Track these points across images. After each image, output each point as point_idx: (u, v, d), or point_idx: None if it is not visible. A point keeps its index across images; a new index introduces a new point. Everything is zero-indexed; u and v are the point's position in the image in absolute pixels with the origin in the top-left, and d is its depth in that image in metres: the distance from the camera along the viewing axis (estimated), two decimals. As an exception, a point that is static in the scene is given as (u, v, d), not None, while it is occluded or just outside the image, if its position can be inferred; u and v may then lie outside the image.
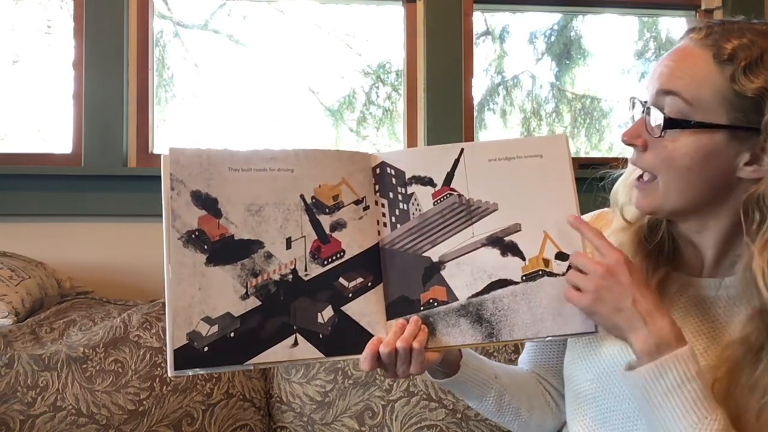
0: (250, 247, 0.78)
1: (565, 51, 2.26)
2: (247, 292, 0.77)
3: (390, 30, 2.07)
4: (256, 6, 2.05)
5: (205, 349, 0.74)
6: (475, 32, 2.04)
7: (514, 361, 1.33)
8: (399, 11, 2.02)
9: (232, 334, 0.76)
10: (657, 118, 0.76)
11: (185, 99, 2.07)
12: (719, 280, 0.82)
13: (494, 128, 2.24)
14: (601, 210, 0.97)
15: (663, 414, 0.71)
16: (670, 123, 0.75)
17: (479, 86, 2.19)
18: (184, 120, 2.03)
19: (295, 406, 1.37)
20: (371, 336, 0.80)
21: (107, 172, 1.79)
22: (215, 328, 0.75)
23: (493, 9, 2.17)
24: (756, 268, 0.73)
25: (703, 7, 2.05)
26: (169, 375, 0.74)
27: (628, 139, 0.80)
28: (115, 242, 1.80)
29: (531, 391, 1.00)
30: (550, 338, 0.82)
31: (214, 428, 1.31)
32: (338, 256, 0.81)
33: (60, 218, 1.79)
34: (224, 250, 0.77)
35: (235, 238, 0.78)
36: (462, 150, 0.85)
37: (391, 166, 0.86)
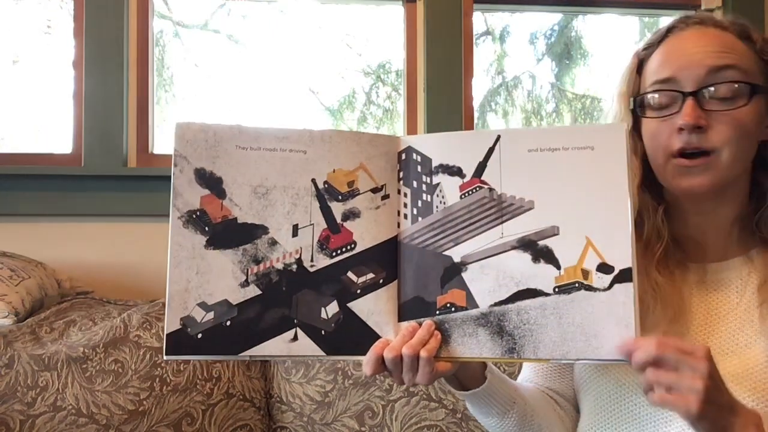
0: (253, 231, 0.74)
1: (565, 51, 2.26)
2: (247, 280, 0.73)
3: (390, 30, 2.07)
4: (256, 6, 2.05)
5: (199, 336, 0.71)
6: (475, 32, 2.03)
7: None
8: (399, 11, 2.02)
9: (228, 323, 0.72)
10: (728, 91, 0.76)
11: (185, 99, 2.07)
12: (732, 261, 0.83)
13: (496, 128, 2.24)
14: None
15: None
16: (756, 89, 0.77)
17: (481, 87, 2.20)
18: (184, 120, 2.03)
19: (295, 406, 1.36)
20: (378, 337, 0.74)
21: (107, 172, 1.79)
22: (210, 315, 0.72)
23: (493, 9, 2.17)
24: None
25: (703, 7, 2.04)
26: (164, 359, 0.73)
27: (695, 122, 0.75)
28: (115, 242, 1.80)
29: (546, 407, 0.93)
30: (581, 361, 0.73)
31: (214, 428, 1.31)
32: (349, 247, 0.76)
33: (60, 218, 1.79)
34: (226, 233, 0.73)
35: (239, 221, 0.74)
36: (498, 137, 0.75)
37: (418, 152, 0.78)
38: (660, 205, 0.84)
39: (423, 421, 1.32)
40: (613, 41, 2.25)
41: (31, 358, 1.29)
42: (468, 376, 0.82)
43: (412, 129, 1.99)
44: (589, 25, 2.26)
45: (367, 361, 0.73)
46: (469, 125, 1.96)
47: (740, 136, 0.76)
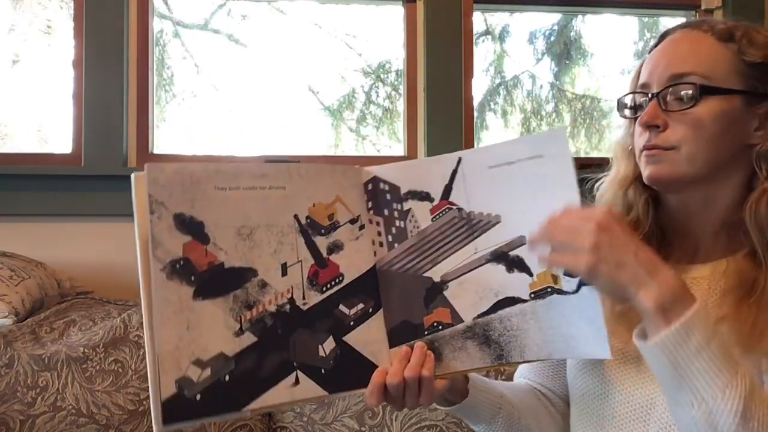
0: (242, 275, 0.70)
1: (565, 51, 2.27)
2: (241, 328, 0.68)
3: (390, 30, 2.07)
4: (256, 6, 2.06)
5: (198, 396, 0.65)
6: (475, 32, 2.04)
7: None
8: (399, 11, 2.02)
9: (227, 378, 0.67)
10: (681, 93, 0.79)
11: (185, 99, 2.07)
12: (713, 264, 0.83)
13: (495, 128, 2.24)
14: None
15: (692, 380, 0.66)
16: (703, 90, 0.78)
17: (480, 86, 2.20)
18: (184, 120, 2.04)
19: (295, 406, 1.37)
20: (375, 367, 0.74)
21: (107, 172, 1.79)
22: (207, 372, 0.66)
23: (493, 9, 2.18)
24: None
25: (703, 7, 2.05)
26: (159, 430, 0.63)
27: (650, 120, 0.80)
28: (115, 242, 1.80)
29: (535, 407, 0.95)
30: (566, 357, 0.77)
31: (214, 428, 1.31)
32: (337, 281, 0.75)
33: (60, 218, 1.79)
34: (214, 281, 0.68)
35: (225, 266, 0.69)
36: (459, 159, 0.78)
37: (385, 182, 0.80)
38: (642, 196, 0.87)
39: (423, 421, 1.32)
40: (612, 41, 2.25)
41: (31, 358, 1.29)
42: (452, 390, 0.84)
43: (412, 129, 1.99)
44: (589, 25, 2.26)
45: (370, 392, 0.73)
46: (469, 125, 1.96)
47: (698, 135, 0.79)
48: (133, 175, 0.68)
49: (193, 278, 0.67)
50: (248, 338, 0.69)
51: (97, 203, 1.79)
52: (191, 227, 0.68)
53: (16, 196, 1.77)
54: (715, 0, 2.03)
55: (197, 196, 0.69)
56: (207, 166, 0.70)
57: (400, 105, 2.08)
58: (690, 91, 0.79)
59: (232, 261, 0.69)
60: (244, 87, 2.06)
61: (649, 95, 0.82)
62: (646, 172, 0.83)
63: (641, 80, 0.85)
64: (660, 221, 0.88)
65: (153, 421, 0.63)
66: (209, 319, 0.67)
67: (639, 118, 0.82)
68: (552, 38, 2.26)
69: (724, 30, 0.81)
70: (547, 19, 2.25)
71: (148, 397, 1.29)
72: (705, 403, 0.65)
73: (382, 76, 2.16)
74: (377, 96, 2.18)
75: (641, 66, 0.89)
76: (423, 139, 1.95)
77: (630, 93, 0.87)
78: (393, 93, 2.16)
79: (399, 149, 2.07)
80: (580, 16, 2.24)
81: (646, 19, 2.24)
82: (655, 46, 0.87)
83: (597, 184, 0.94)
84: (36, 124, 2.00)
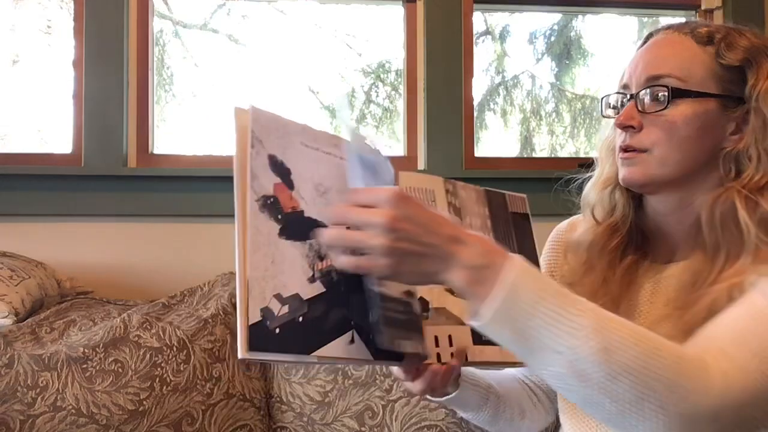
0: (316, 227, 0.72)
1: (565, 51, 2.27)
2: (313, 276, 0.70)
3: (390, 30, 2.07)
4: (256, 6, 2.06)
5: (277, 330, 0.65)
6: (475, 32, 2.04)
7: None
8: (399, 11, 2.02)
9: (301, 319, 0.68)
10: (656, 95, 0.81)
11: (185, 99, 2.07)
12: (688, 262, 0.84)
13: (495, 128, 2.24)
14: (575, 217, 1.01)
15: (540, 338, 0.61)
16: (675, 93, 0.79)
17: (479, 86, 2.20)
18: (184, 120, 2.04)
19: (295, 406, 1.37)
20: None
21: (107, 172, 1.79)
22: (286, 309, 0.67)
23: (493, 9, 2.18)
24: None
25: (703, 7, 2.04)
26: (239, 356, 0.63)
27: (625, 121, 0.82)
28: (115, 242, 1.80)
29: (519, 396, 1.00)
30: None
31: (214, 428, 1.31)
32: None
33: (60, 218, 1.79)
34: (295, 225, 0.70)
35: (305, 214, 0.72)
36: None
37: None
38: (623, 197, 0.89)
39: (423, 421, 1.32)
40: (612, 41, 2.25)
41: (31, 358, 1.29)
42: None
43: (412, 129, 1.99)
44: (589, 25, 2.26)
45: (407, 369, 0.77)
46: (469, 125, 1.96)
47: (670, 138, 0.80)
48: (234, 108, 0.70)
49: (279, 217, 0.70)
50: (318, 287, 0.71)
51: (97, 203, 1.79)
52: (281, 170, 0.71)
53: (16, 196, 1.77)
54: (716, 0, 2.03)
55: (287, 145, 0.72)
56: (296, 122, 0.74)
57: (400, 105, 2.08)
58: (664, 93, 0.80)
59: (309, 212, 0.72)
60: (244, 87, 2.06)
61: (628, 96, 0.84)
62: (621, 173, 0.85)
63: (623, 81, 0.87)
64: (640, 221, 0.90)
65: (238, 346, 0.63)
66: (290, 259, 0.69)
67: (616, 119, 0.84)
68: (552, 38, 2.27)
69: (704, 33, 0.82)
70: (547, 19, 2.25)
71: (148, 397, 1.29)
72: (562, 355, 0.61)
73: (381, 75, 2.16)
74: (377, 96, 2.18)
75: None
76: (423, 139, 1.95)
77: (612, 93, 0.89)
78: (393, 93, 2.16)
79: (399, 149, 2.07)
80: (580, 16, 2.24)
81: (646, 19, 2.24)
82: (641, 47, 0.88)
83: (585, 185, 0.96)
84: (36, 124, 2.00)
